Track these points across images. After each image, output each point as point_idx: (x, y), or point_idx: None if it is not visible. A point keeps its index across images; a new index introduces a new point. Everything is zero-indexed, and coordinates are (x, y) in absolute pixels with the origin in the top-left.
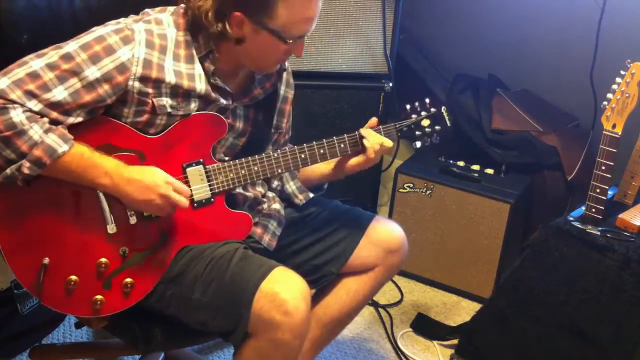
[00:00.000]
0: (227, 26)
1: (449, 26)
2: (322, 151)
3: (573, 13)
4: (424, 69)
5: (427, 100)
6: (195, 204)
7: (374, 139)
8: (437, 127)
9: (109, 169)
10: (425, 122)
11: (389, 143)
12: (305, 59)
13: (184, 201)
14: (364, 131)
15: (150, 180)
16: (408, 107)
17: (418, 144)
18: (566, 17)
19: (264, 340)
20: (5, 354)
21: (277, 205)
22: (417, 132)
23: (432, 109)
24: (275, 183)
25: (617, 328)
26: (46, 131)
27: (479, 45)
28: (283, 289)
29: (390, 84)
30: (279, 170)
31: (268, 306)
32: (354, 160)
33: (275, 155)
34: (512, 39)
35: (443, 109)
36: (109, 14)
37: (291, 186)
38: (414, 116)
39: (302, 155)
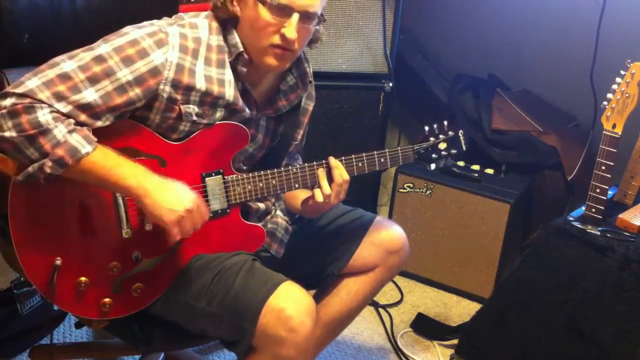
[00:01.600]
0: (227, 2)
1: (449, 26)
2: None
3: (573, 13)
4: (424, 69)
5: (445, 123)
6: (211, 214)
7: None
8: (452, 151)
9: (137, 170)
10: (442, 145)
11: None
12: None
13: (199, 226)
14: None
15: (183, 192)
16: (427, 129)
17: (432, 167)
18: (566, 17)
19: (268, 355)
20: (5, 354)
21: (281, 213)
22: (434, 155)
23: (450, 132)
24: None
25: (617, 328)
26: (70, 131)
27: (479, 45)
28: (289, 305)
29: (390, 84)
30: (297, 185)
31: (273, 322)
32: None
33: (294, 170)
34: (512, 39)
35: (460, 132)
36: (110, 14)
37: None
38: (432, 139)
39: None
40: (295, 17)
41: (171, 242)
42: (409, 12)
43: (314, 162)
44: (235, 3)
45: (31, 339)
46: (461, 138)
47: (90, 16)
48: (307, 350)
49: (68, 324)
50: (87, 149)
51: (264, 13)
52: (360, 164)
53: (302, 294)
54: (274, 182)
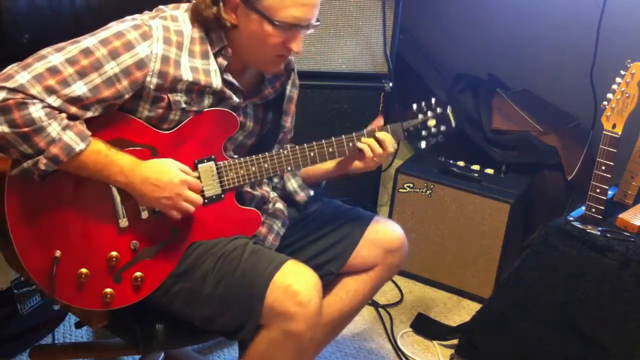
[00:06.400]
0: (222, 10)
1: (449, 26)
2: (330, 150)
3: (573, 13)
4: (424, 69)
5: (433, 100)
6: (206, 200)
7: (376, 140)
8: (442, 128)
9: (124, 166)
10: (432, 122)
11: (392, 147)
12: (305, 59)
13: (198, 199)
14: (376, 132)
15: (167, 180)
16: (415, 106)
17: (423, 144)
18: (566, 17)
19: (277, 331)
20: (5, 354)
21: (280, 206)
22: (423, 132)
23: (439, 109)
24: (276, 180)
25: (617, 328)
26: (64, 128)
27: (479, 45)
28: (296, 280)
29: (390, 84)
30: (289, 168)
31: (282, 298)
32: (356, 163)
33: (285, 153)
34: (512, 39)
35: (449, 109)
36: (109, 13)
37: (292, 184)
38: (420, 116)
39: (312, 154)
40: (302, 32)
41: (173, 221)
42: (409, 12)
43: (305, 144)
44: (231, 12)
45: (31, 339)
46: (450, 114)
47: (90, 16)
48: (316, 326)
49: (68, 324)
50: (80, 147)
51: (272, 31)
52: (350, 144)
53: (308, 271)
54: (265, 165)
